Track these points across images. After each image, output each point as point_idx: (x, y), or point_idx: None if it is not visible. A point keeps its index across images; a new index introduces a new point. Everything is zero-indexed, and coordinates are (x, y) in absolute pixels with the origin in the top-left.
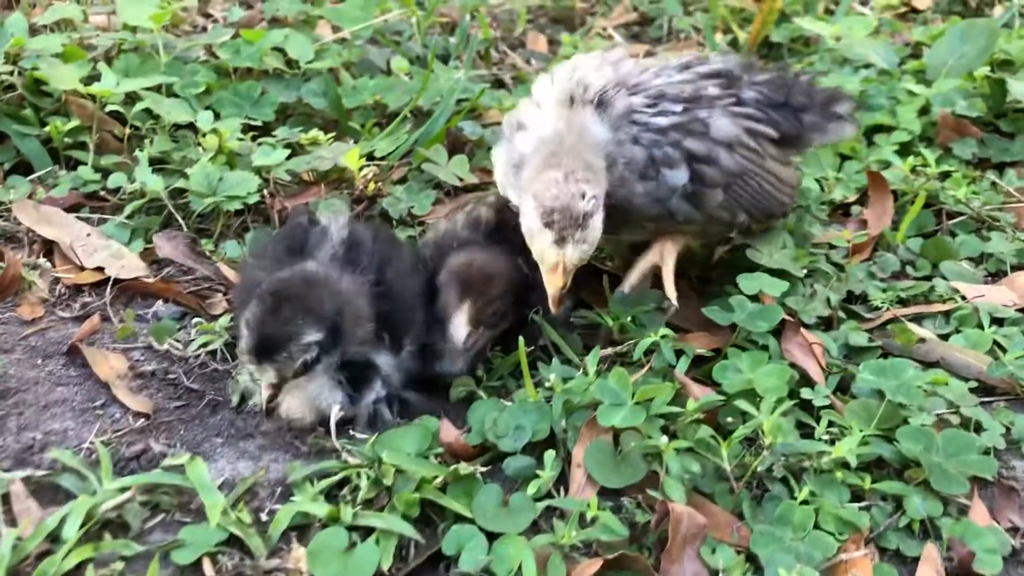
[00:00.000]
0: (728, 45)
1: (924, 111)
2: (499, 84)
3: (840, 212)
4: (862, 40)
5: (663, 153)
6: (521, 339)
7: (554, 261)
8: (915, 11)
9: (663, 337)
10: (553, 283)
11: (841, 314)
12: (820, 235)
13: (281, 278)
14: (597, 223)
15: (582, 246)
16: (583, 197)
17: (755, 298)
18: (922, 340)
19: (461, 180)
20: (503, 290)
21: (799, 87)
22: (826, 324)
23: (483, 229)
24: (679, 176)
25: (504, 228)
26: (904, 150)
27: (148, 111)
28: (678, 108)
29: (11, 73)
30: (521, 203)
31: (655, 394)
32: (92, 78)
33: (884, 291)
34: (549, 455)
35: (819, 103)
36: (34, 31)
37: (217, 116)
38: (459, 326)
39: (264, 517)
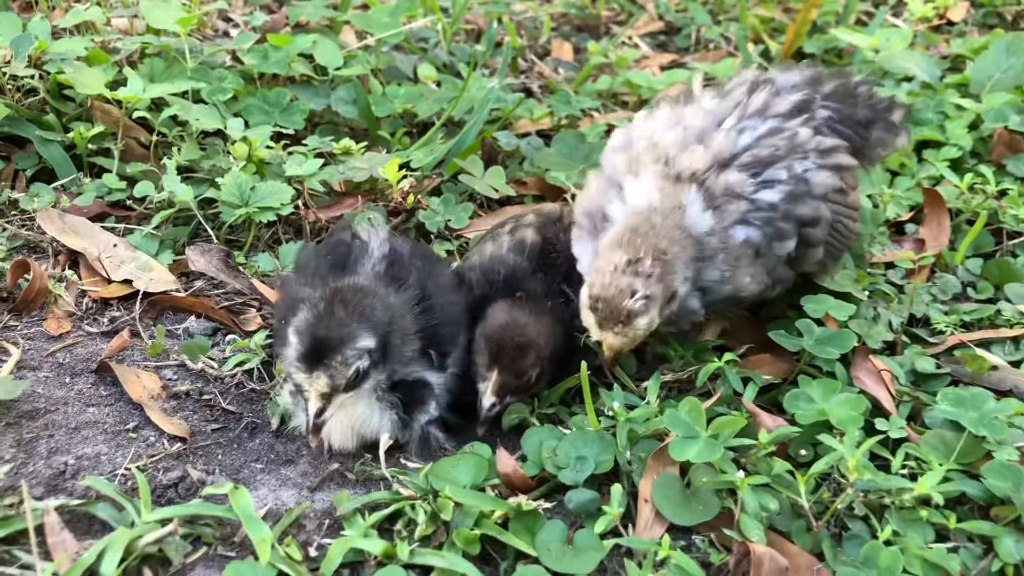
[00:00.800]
0: (760, 56)
1: (973, 126)
2: (527, 92)
3: (893, 230)
4: (902, 52)
5: (775, 229)
6: (584, 364)
7: (597, 339)
8: (950, 23)
9: (728, 363)
10: (604, 352)
11: (905, 338)
12: (880, 255)
13: (335, 286)
14: (643, 323)
15: (622, 338)
16: (632, 295)
17: (819, 321)
18: (994, 368)
19: (497, 192)
20: (535, 360)
21: (862, 98)
22: (890, 349)
23: (528, 253)
24: (788, 246)
25: (550, 252)
26: (954, 166)
27: (174, 117)
28: (783, 175)
29: (33, 77)
30: None
31: (730, 427)
32: (117, 83)
33: (946, 314)
34: (616, 490)
35: (880, 114)
36: (55, 34)
37: (246, 124)
38: (485, 394)
39: (313, 552)
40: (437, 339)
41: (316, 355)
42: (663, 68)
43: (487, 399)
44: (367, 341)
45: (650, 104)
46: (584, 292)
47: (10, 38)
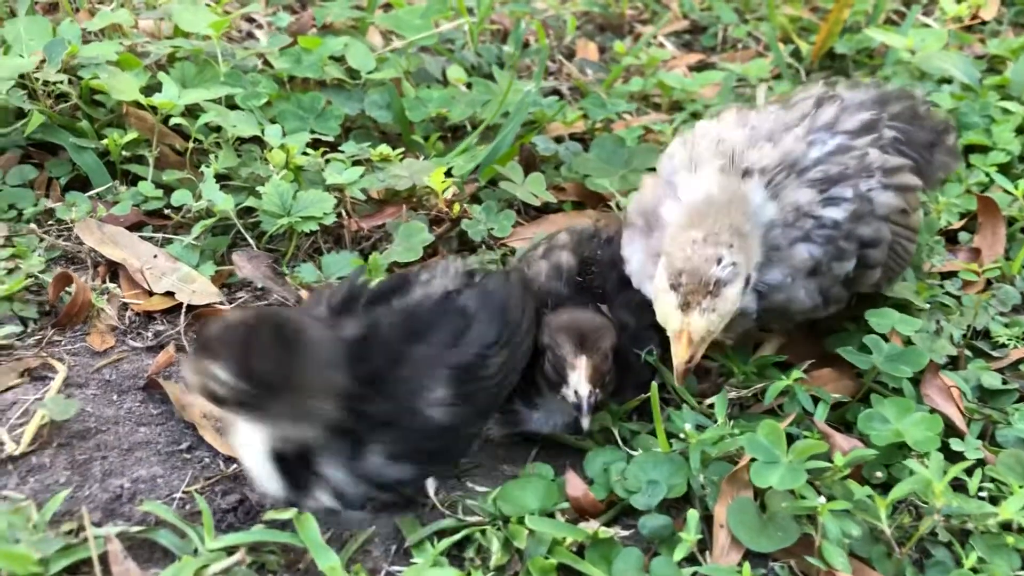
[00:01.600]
0: (790, 56)
1: (1019, 130)
2: (556, 94)
3: (945, 239)
4: (939, 53)
5: (837, 249)
6: (654, 384)
7: (677, 328)
8: (982, 22)
9: (796, 381)
10: (678, 354)
11: (967, 352)
12: (940, 265)
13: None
14: (732, 293)
15: (710, 315)
16: (719, 262)
17: (883, 336)
18: None
19: (537, 198)
20: (612, 346)
21: (926, 120)
22: (952, 363)
23: (566, 278)
24: (847, 266)
25: (586, 273)
26: (1003, 171)
27: (207, 123)
28: (849, 193)
29: (65, 82)
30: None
31: (810, 451)
32: (150, 88)
33: (1007, 327)
34: (692, 515)
35: (940, 136)
36: (83, 38)
37: (282, 130)
38: (579, 383)
39: None
40: None
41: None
42: (691, 68)
43: (583, 387)
44: None
45: (711, 113)
46: (660, 276)
47: (42, 43)
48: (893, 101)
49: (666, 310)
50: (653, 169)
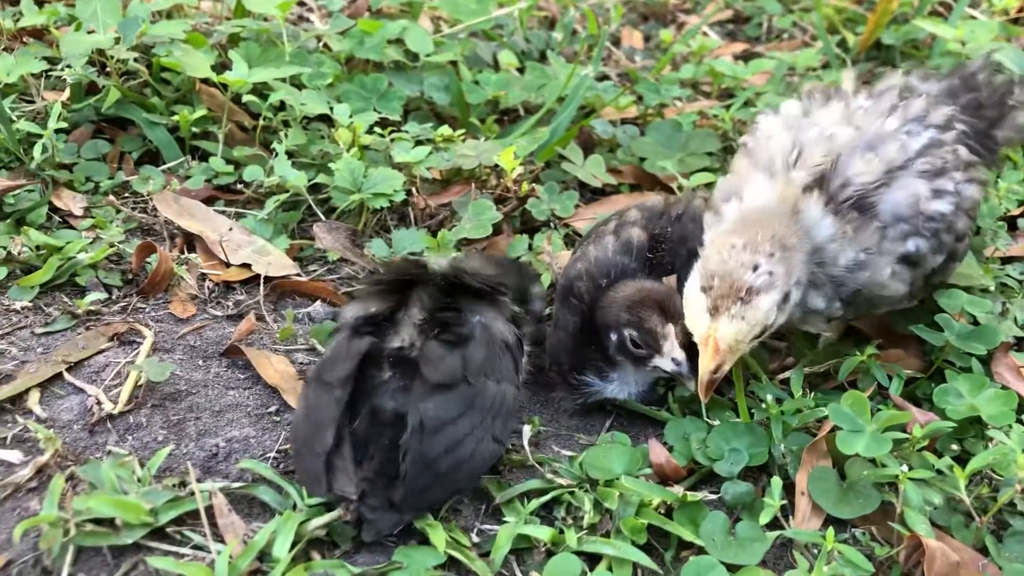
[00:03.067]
0: (837, 46)
1: None
2: (605, 80)
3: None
4: (990, 44)
5: (939, 241)
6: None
7: (704, 333)
8: None
9: (870, 357)
10: (704, 362)
11: None
12: (1004, 250)
13: None
14: (765, 303)
15: (739, 323)
16: (754, 269)
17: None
18: None
19: (596, 179)
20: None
21: (986, 92)
22: (1017, 344)
23: (636, 254)
24: (940, 259)
25: (657, 250)
26: None
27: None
28: (951, 187)
29: (135, 60)
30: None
31: (894, 421)
32: (218, 67)
33: None
34: (776, 482)
35: (1005, 108)
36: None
37: None
38: (672, 351)
39: (475, 538)
40: None
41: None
42: (736, 57)
43: (678, 352)
44: None
45: (797, 94)
46: (693, 278)
47: (115, 21)
48: (960, 93)
49: (694, 313)
50: (711, 153)
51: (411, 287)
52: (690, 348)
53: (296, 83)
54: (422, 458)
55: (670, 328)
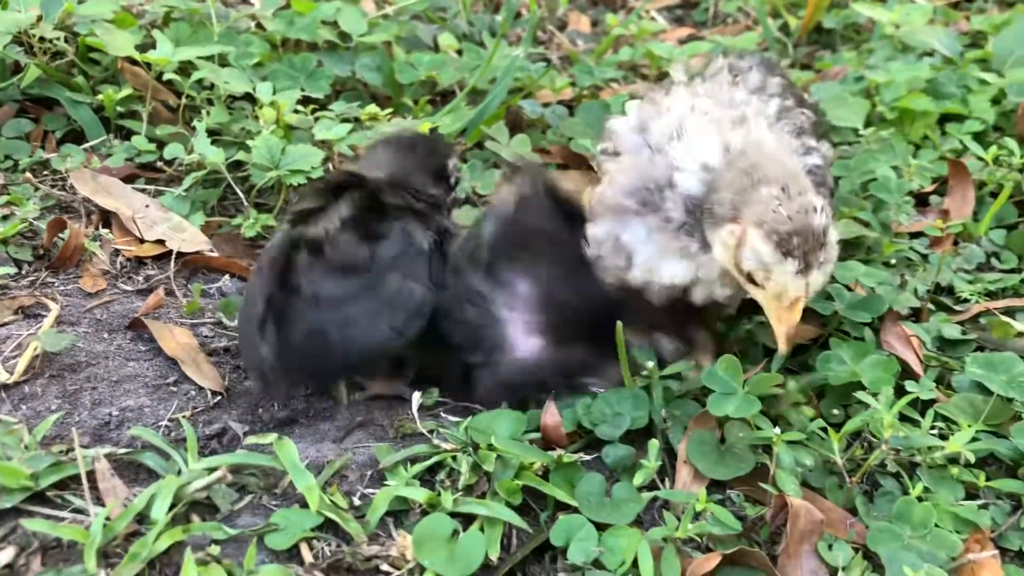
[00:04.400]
0: (779, 30)
1: (995, 100)
2: (546, 62)
3: (916, 202)
4: (923, 28)
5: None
6: (619, 323)
7: (799, 293)
8: (969, 1)
9: (759, 324)
10: (789, 320)
11: (930, 306)
12: (907, 224)
13: None
14: (834, 236)
15: (827, 268)
16: (817, 210)
17: (847, 287)
18: (1020, 334)
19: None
20: None
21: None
22: (915, 316)
23: None
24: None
25: None
26: (978, 139)
27: (201, 81)
28: (813, 142)
29: (61, 39)
30: (717, 239)
31: (766, 385)
32: (145, 46)
33: (971, 283)
34: (653, 444)
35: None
36: None
37: (273, 89)
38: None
39: (357, 501)
40: None
41: None
42: (681, 42)
43: None
44: None
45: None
46: (759, 250)
47: (39, 0)
48: (775, 67)
49: (785, 280)
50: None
51: (347, 190)
52: None
53: (224, 63)
54: (314, 328)
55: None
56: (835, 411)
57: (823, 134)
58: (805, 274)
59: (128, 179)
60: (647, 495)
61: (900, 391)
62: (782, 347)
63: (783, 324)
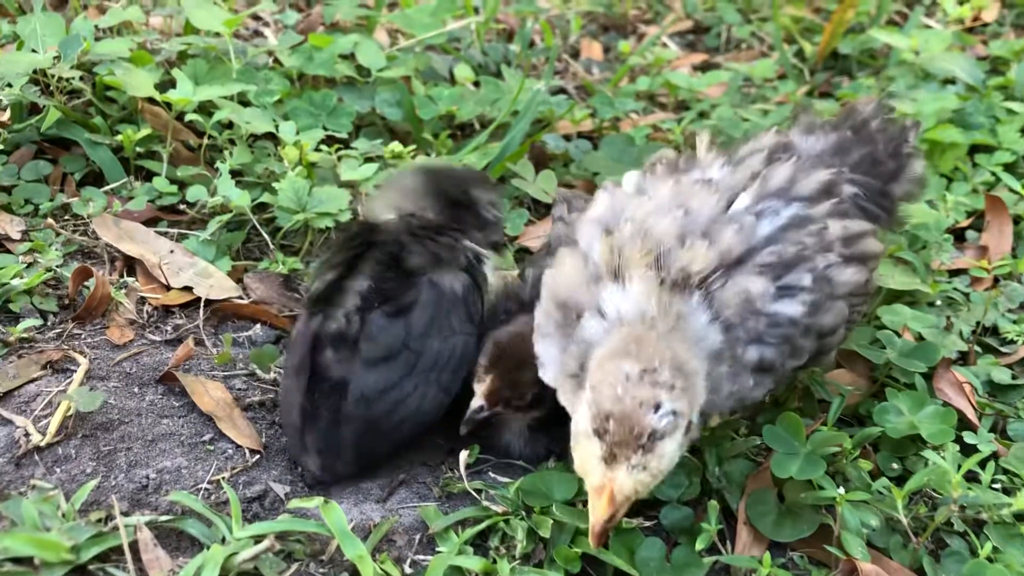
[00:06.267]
0: (794, 56)
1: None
2: (563, 93)
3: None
4: (943, 55)
5: (793, 348)
6: None
7: (598, 484)
8: (983, 24)
9: (812, 374)
10: (597, 511)
11: (977, 348)
12: (949, 263)
13: None
14: (669, 449)
15: (640, 474)
16: (656, 409)
17: (896, 332)
18: None
19: (548, 195)
20: (536, 382)
21: (883, 146)
22: (962, 359)
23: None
24: (803, 360)
25: None
26: (1008, 170)
27: (221, 120)
28: (808, 281)
29: (79, 79)
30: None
31: (830, 442)
32: (164, 85)
33: (1015, 323)
34: (713, 506)
35: (899, 156)
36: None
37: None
38: (476, 395)
39: (408, 569)
40: None
41: None
42: (695, 68)
43: (475, 400)
44: None
45: (642, 166)
46: (583, 416)
47: (56, 39)
48: (854, 147)
49: (586, 460)
50: None
51: (364, 249)
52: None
53: (243, 100)
54: (365, 423)
55: (488, 378)
56: (893, 465)
57: (853, 251)
58: (609, 466)
59: (150, 222)
60: (708, 559)
61: (958, 442)
62: (593, 544)
63: (593, 515)
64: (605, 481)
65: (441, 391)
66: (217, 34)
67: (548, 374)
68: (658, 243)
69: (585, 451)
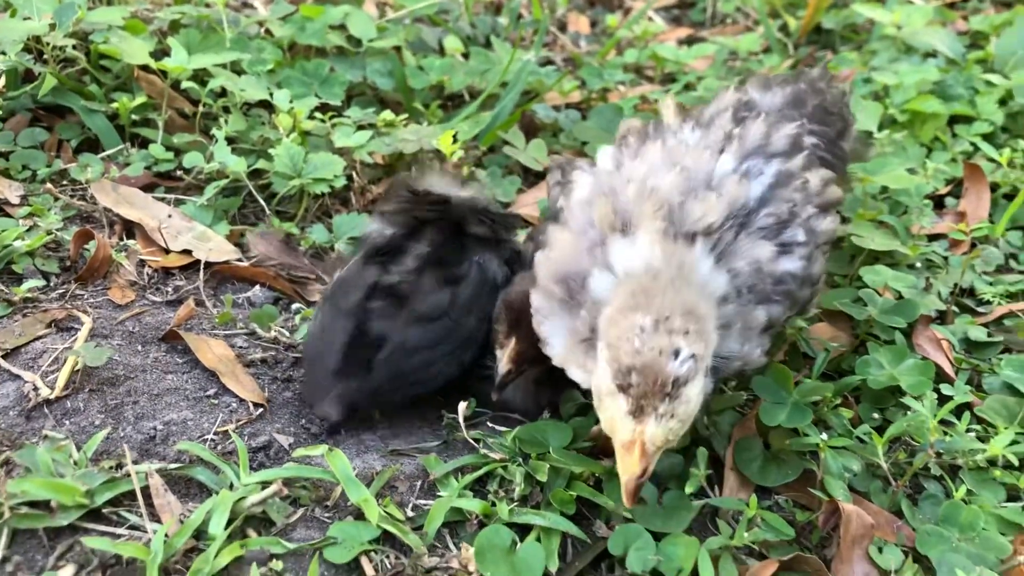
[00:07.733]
0: (779, 31)
1: (1003, 101)
2: (550, 64)
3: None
4: (925, 28)
5: (794, 301)
6: None
7: (628, 438)
8: (964, 0)
9: (799, 330)
10: (629, 467)
11: (955, 308)
12: (929, 227)
13: None
14: (693, 392)
15: (668, 422)
16: (676, 355)
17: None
18: None
19: (538, 163)
20: None
21: (834, 102)
22: (940, 318)
23: None
24: (792, 314)
25: None
26: (987, 140)
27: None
28: (801, 236)
29: (73, 47)
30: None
31: (817, 394)
32: (158, 53)
33: (992, 285)
34: (702, 452)
35: (844, 117)
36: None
37: None
38: (501, 361)
39: (410, 512)
40: None
41: None
42: (681, 42)
43: (503, 366)
44: None
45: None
46: (603, 373)
47: (51, 7)
48: (808, 97)
49: (613, 417)
50: None
51: (433, 216)
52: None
53: (237, 69)
54: (395, 372)
55: (511, 342)
56: (874, 415)
57: (825, 199)
58: (637, 419)
59: (147, 188)
60: (697, 503)
61: (935, 393)
62: (625, 501)
63: (624, 471)
64: (635, 435)
65: (459, 366)
66: (208, 4)
67: (555, 352)
68: (665, 199)
69: (610, 408)
